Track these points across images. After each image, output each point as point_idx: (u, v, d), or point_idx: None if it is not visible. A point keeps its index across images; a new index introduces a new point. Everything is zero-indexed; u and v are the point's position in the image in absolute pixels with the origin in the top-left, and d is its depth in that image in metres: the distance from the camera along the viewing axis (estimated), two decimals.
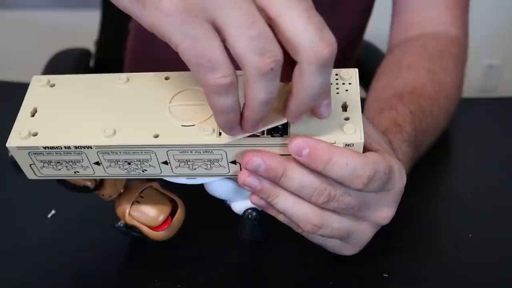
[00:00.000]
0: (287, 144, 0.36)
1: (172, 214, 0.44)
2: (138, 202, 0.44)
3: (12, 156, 0.62)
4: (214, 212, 0.46)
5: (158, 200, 0.44)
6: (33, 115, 0.39)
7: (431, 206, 0.53)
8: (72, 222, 0.49)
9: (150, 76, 0.41)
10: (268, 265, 0.44)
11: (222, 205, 0.43)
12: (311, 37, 0.32)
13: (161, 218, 0.43)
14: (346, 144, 0.36)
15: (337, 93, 0.39)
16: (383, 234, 0.43)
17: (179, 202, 0.44)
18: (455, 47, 0.66)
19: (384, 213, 0.40)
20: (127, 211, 0.43)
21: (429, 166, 0.54)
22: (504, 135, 0.68)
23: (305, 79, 0.33)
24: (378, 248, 0.43)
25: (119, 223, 0.45)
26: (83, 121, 0.38)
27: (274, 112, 0.36)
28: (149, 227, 0.43)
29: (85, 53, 1.05)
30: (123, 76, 0.41)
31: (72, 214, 0.49)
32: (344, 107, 0.38)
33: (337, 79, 0.40)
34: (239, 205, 0.42)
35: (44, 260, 0.45)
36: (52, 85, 0.41)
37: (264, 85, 0.32)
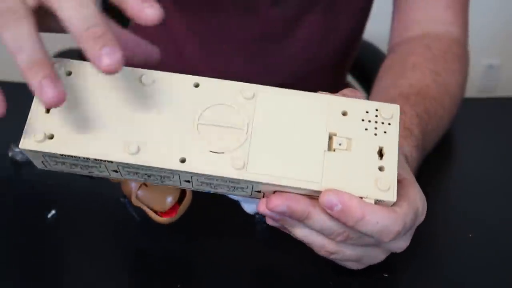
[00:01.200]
0: (318, 194, 0.35)
1: (180, 201, 0.43)
2: (146, 186, 0.43)
3: (12, 155, 0.63)
4: (219, 210, 0.46)
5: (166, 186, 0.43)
6: (48, 111, 0.37)
7: (431, 206, 0.53)
8: (72, 222, 0.49)
9: (179, 79, 0.38)
10: (268, 265, 0.44)
11: (227, 204, 0.42)
12: None
13: (169, 204, 0.42)
14: (377, 200, 0.36)
15: (375, 134, 0.37)
16: None
17: (187, 189, 0.44)
18: (458, 47, 0.66)
19: (401, 244, 0.40)
20: (135, 192, 0.42)
21: (429, 166, 0.54)
22: (504, 135, 0.68)
23: None
24: None
25: (124, 199, 0.44)
26: (104, 127, 0.36)
27: None
28: (155, 211, 0.43)
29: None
30: (149, 74, 0.37)
31: (72, 214, 0.49)
32: (380, 153, 0.37)
33: (376, 116, 0.37)
34: (251, 207, 0.42)
35: (44, 260, 0.45)
36: (69, 73, 0.38)
37: None
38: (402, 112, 0.48)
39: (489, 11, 1.63)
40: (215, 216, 0.48)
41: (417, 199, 0.39)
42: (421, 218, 0.40)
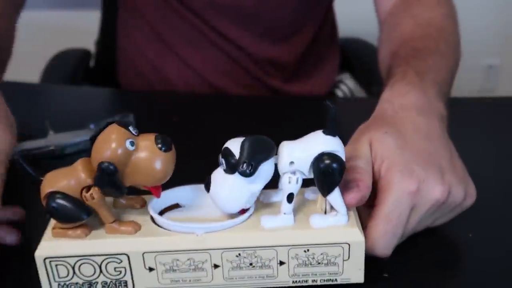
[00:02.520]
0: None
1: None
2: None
3: (14, 156, 0.62)
4: None
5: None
6: None
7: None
8: None
9: None
10: None
11: None
12: None
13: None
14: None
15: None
16: None
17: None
18: None
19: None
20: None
21: None
22: (504, 135, 0.68)
23: None
24: None
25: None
26: None
27: None
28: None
29: (85, 53, 1.05)
30: None
31: None
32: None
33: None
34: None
35: None
36: None
37: None
38: (402, 71, 0.55)
39: (489, 11, 1.63)
40: None
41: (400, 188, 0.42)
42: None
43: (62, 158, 0.62)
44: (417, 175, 0.43)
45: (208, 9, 0.84)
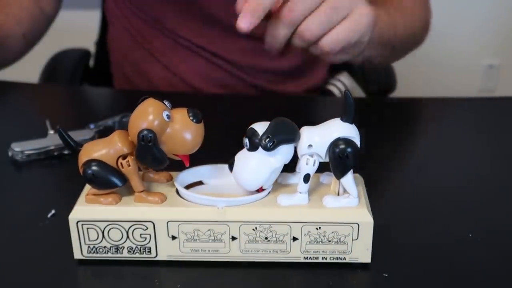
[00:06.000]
0: None
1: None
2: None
3: (12, 155, 0.63)
4: None
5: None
6: None
7: (431, 205, 0.53)
8: None
9: None
10: (267, 264, 0.44)
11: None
12: None
13: None
14: None
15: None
16: (382, 234, 0.43)
17: None
18: None
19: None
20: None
21: (429, 166, 0.54)
22: (504, 135, 0.68)
23: None
24: (378, 248, 0.43)
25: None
26: None
27: None
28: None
29: (84, 53, 1.06)
30: None
31: None
32: None
33: None
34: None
35: (43, 260, 0.45)
36: None
37: None
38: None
39: (490, 11, 1.63)
40: None
41: None
42: None
43: (61, 158, 0.62)
44: None
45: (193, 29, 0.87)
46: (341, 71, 1.00)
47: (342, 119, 0.42)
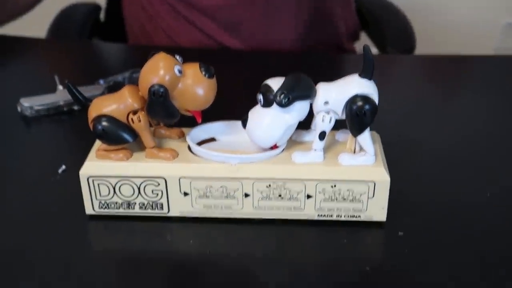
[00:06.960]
0: None
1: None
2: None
3: (21, 110, 0.62)
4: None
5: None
6: None
7: (449, 165, 0.52)
8: None
9: None
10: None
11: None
12: None
13: None
14: None
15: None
16: (398, 192, 0.43)
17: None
18: None
19: None
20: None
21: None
22: None
23: None
24: (393, 207, 0.42)
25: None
26: None
27: None
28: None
29: (94, 8, 1.03)
30: None
31: None
32: None
33: None
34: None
35: (54, 216, 0.45)
36: None
37: None
38: None
39: None
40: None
41: None
42: None
43: (71, 114, 0.61)
44: None
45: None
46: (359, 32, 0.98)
47: (360, 75, 0.41)
